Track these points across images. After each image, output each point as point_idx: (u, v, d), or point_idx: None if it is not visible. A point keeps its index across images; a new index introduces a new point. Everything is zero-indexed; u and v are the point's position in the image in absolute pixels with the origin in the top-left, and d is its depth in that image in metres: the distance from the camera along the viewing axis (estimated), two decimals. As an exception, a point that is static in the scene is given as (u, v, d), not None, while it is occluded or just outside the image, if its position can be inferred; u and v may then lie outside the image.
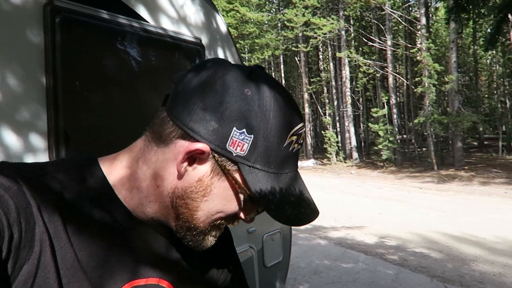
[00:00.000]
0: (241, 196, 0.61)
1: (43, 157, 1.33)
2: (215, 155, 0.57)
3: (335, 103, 24.79)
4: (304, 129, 0.62)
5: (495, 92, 24.48)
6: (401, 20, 20.20)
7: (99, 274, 0.56)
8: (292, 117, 0.59)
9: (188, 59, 2.18)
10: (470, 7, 1.92)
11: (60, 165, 0.61)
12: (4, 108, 1.24)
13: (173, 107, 0.58)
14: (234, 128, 0.55)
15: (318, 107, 28.35)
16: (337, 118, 24.95)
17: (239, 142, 0.56)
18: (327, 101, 26.25)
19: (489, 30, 19.71)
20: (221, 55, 2.39)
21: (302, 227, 6.88)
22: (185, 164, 0.58)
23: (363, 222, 7.30)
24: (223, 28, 2.47)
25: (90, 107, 1.60)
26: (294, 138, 0.59)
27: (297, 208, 0.60)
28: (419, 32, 17.57)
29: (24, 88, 1.29)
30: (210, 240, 0.65)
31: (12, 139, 1.27)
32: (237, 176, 0.58)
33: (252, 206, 0.63)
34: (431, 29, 18.57)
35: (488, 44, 1.98)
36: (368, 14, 22.74)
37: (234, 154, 0.56)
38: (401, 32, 22.83)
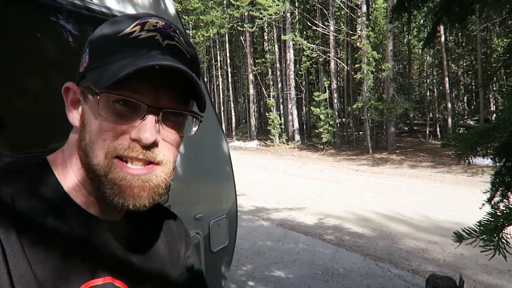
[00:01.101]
0: (96, 104, 0.56)
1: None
2: (80, 87, 0.61)
3: (279, 85, 25.15)
4: (153, 19, 0.59)
5: (425, 81, 26.25)
6: (343, 6, 20.74)
7: (54, 279, 0.53)
8: (133, 18, 0.60)
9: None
10: (411, 8, 2.03)
11: (8, 171, 0.59)
12: None
13: None
14: (83, 55, 0.61)
15: (263, 88, 28.59)
16: (280, 101, 25.36)
17: (84, 59, 0.60)
18: (271, 83, 26.53)
19: (422, 21, 20.93)
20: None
21: (245, 209, 7.02)
22: (74, 113, 0.62)
23: (304, 203, 7.60)
24: (171, 9, 2.39)
25: (27, 92, 1.49)
26: (137, 27, 0.57)
27: (142, 56, 0.55)
28: (360, 19, 18.20)
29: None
30: (129, 190, 0.56)
31: None
32: (87, 84, 0.59)
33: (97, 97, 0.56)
34: (370, 17, 19.31)
35: (426, 44, 2.12)
36: (313, -2, 23.07)
37: (82, 70, 0.60)
38: (343, 18, 23.50)
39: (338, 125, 20.80)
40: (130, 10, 2.04)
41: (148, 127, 0.55)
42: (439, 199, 7.78)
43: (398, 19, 2.15)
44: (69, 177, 0.61)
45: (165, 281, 0.73)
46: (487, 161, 11.25)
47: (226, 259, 2.87)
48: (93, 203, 0.62)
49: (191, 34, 26.46)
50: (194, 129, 0.65)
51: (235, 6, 22.83)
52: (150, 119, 0.56)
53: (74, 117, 0.61)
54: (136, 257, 0.66)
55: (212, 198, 2.71)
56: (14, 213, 0.53)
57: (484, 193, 1.64)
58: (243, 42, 27.95)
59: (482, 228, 0.99)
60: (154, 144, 0.57)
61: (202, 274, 0.85)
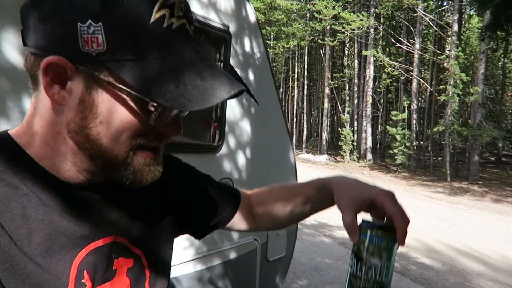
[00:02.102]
0: (130, 101, 0.51)
1: None
2: (79, 66, 0.50)
3: (355, 101, 24.52)
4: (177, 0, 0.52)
5: (520, 108, 23.85)
6: (432, 24, 19.71)
7: (44, 251, 0.52)
8: None
9: (214, 47, 2.16)
10: (509, 25, 1.85)
11: None
12: None
13: (25, 38, 0.53)
14: (79, 24, 0.47)
15: (338, 103, 28.09)
16: (355, 117, 24.70)
17: (91, 37, 0.47)
18: (347, 98, 25.98)
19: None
20: (247, 44, 2.37)
21: (307, 223, 6.90)
22: (56, 89, 0.51)
23: (369, 225, 7.25)
24: (252, 17, 2.44)
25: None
26: (166, 11, 0.50)
27: (200, 89, 0.48)
28: (450, 39, 17.14)
29: None
30: (146, 170, 0.57)
31: None
32: (111, 79, 0.50)
33: (147, 107, 0.52)
34: (462, 37, 18.10)
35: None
36: (399, 14, 22.24)
37: (94, 54, 0.48)
38: (431, 36, 22.34)
39: (415, 147, 19.68)
40: (213, 17, 2.12)
41: (180, 121, 0.58)
42: (525, 240, 6.97)
43: (492, 37, 1.98)
44: (63, 165, 0.56)
45: (163, 225, 0.72)
46: None
47: (282, 269, 2.84)
48: (81, 178, 0.58)
49: (271, 45, 26.94)
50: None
51: (318, 19, 22.82)
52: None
53: (58, 94, 0.52)
54: (128, 211, 0.65)
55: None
56: None
57: None
58: (322, 55, 27.78)
59: None
60: None
61: (213, 182, 0.87)
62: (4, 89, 1.31)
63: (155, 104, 0.51)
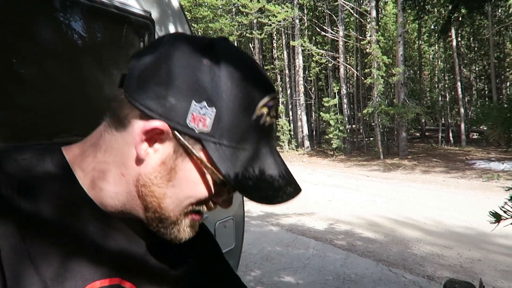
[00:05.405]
0: (209, 178, 0.55)
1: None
2: (176, 134, 0.52)
3: (288, 91, 25.07)
4: (275, 101, 0.56)
5: (436, 86, 25.94)
6: (353, 12, 20.66)
7: (58, 276, 0.51)
8: (262, 87, 0.54)
9: (136, 34, 2.02)
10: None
11: (15, 158, 0.55)
12: None
13: (129, 86, 0.54)
14: (193, 101, 0.50)
15: (272, 95, 28.50)
16: (290, 107, 25.26)
17: (201, 117, 0.50)
18: (280, 89, 26.46)
19: (432, 26, 20.76)
20: (172, 31, 2.24)
21: (254, 214, 6.90)
22: (145, 146, 0.53)
23: (314, 209, 7.45)
24: (175, 2, 2.32)
25: (24, 84, 1.41)
26: (265, 110, 0.54)
27: (275, 185, 0.55)
28: (369, 25, 18.07)
29: None
30: (187, 231, 0.59)
31: None
32: (202, 155, 0.53)
33: (223, 187, 0.56)
34: (380, 23, 19.18)
35: (441, 33, 2.00)
36: (321, 4, 23.03)
37: (197, 131, 0.51)
38: (353, 24, 23.41)
39: (348, 130, 20.59)
40: (132, 2, 1.97)
41: (232, 198, 0.61)
42: (453, 204, 7.56)
43: (411, 6, 2.04)
44: (108, 199, 0.58)
45: (177, 283, 0.68)
46: (503, 166, 11.01)
47: (233, 262, 2.76)
48: (116, 207, 0.58)
49: (200, 42, 26.61)
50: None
51: (244, 13, 22.90)
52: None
53: (144, 151, 0.54)
54: (144, 253, 0.63)
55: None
56: (14, 205, 0.50)
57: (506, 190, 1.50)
58: (252, 49, 27.99)
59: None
60: None
61: (226, 262, 0.80)
62: None
63: (233, 189, 0.56)
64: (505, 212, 0.87)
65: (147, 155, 0.54)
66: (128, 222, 0.60)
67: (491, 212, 0.91)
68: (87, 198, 0.56)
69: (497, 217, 0.92)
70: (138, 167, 0.54)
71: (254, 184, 0.53)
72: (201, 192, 0.55)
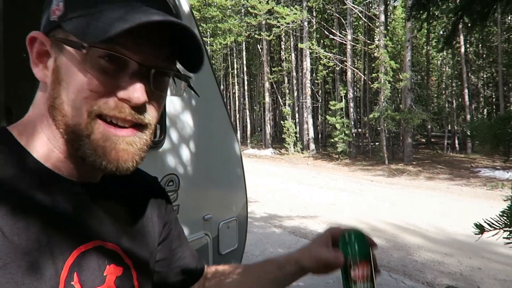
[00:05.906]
0: (81, 59, 0.51)
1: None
2: (51, 38, 0.54)
3: (295, 94, 25.08)
4: None
5: (443, 92, 25.82)
6: (361, 16, 20.65)
7: (40, 247, 0.50)
8: None
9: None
10: (430, 5, 1.96)
11: None
12: None
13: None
14: (55, 0, 0.54)
15: (279, 96, 28.57)
16: (296, 109, 25.27)
17: (57, 6, 0.53)
18: (287, 91, 26.49)
19: (441, 32, 20.68)
20: (182, 36, 2.30)
21: (257, 215, 6.94)
22: (40, 66, 0.56)
23: (317, 212, 7.48)
24: (185, 7, 2.37)
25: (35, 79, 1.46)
26: None
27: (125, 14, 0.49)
28: (378, 29, 18.07)
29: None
30: (118, 150, 0.53)
31: None
32: (61, 35, 0.53)
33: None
34: (388, 27, 19.17)
35: (445, 44, 2.04)
36: (330, 7, 23.03)
37: (57, 20, 0.53)
38: (361, 27, 23.38)
39: (354, 135, 20.57)
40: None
41: (138, 87, 0.52)
42: (456, 212, 7.56)
43: (416, 17, 2.08)
44: (39, 141, 0.56)
45: (150, 240, 0.71)
46: (508, 175, 10.91)
47: (235, 262, 2.81)
48: (69, 167, 0.57)
49: (208, 42, 26.71)
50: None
51: (253, 14, 22.97)
52: (140, 78, 0.53)
53: (41, 72, 0.56)
54: (121, 219, 0.65)
55: (221, 199, 2.67)
56: None
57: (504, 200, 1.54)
58: (260, 50, 28.05)
59: (505, 218, 0.92)
60: (143, 105, 0.54)
61: (182, 231, 0.85)
62: None
63: (84, 44, 0.50)
64: (489, 224, 0.91)
65: (46, 76, 0.55)
66: (88, 186, 0.60)
67: (475, 223, 0.96)
68: (42, 166, 0.55)
69: (481, 229, 0.96)
70: (45, 95, 0.55)
71: (116, 25, 0.47)
72: (81, 79, 0.51)
